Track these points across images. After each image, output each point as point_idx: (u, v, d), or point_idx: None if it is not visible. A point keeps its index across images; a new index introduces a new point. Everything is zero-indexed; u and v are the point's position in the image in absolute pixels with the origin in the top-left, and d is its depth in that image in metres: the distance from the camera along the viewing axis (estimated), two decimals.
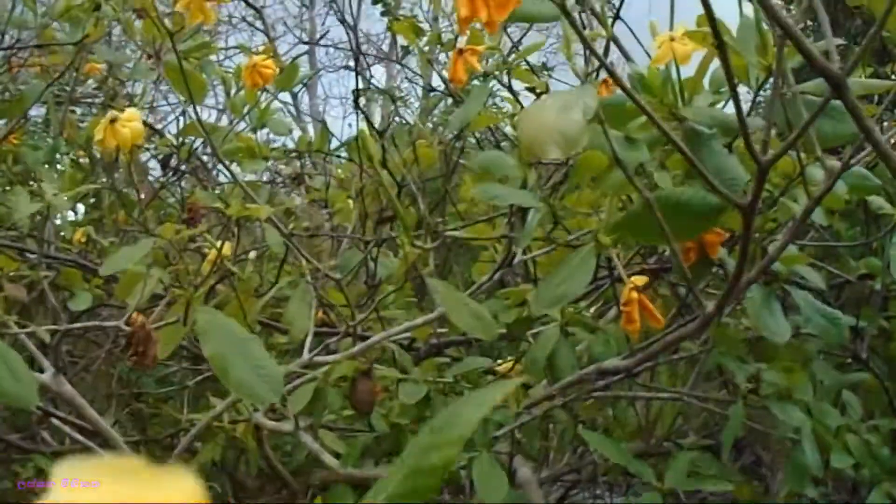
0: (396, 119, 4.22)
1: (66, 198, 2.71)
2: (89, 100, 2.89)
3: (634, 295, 1.01)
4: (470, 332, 1.24)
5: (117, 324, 1.38)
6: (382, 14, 3.79)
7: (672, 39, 1.19)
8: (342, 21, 4.43)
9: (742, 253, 0.99)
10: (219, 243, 1.49)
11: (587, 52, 1.42)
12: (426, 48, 2.12)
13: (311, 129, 6.88)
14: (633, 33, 1.71)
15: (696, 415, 1.87)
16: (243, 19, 7.04)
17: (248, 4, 4.09)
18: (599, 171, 1.16)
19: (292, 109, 7.27)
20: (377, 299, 1.79)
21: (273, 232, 1.54)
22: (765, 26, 1.05)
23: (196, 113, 1.77)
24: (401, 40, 4.22)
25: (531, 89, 1.34)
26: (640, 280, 1.02)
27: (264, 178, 2.68)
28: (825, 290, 1.47)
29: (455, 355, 1.72)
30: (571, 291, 1.05)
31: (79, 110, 2.95)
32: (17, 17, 2.48)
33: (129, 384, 2.19)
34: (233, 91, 2.44)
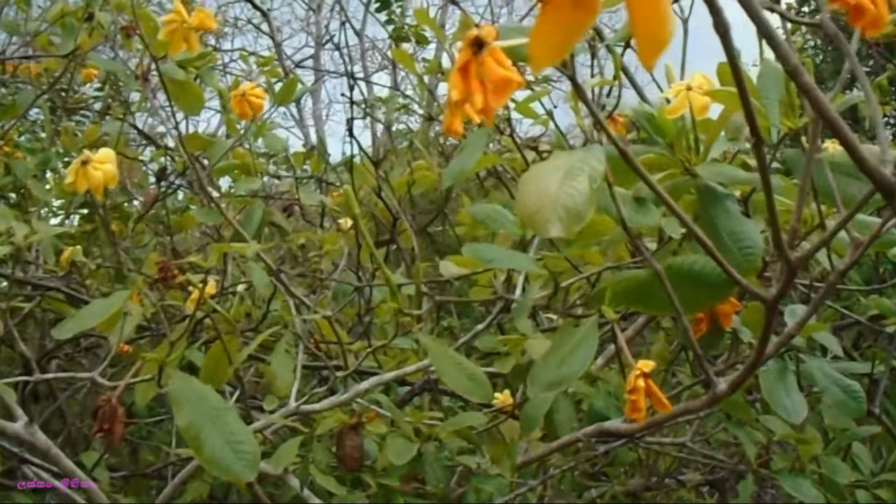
0: (399, 126, 4.11)
1: (56, 205, 2.61)
2: (84, 106, 2.78)
3: (641, 383, 0.89)
4: (464, 395, 1.13)
5: (91, 375, 1.28)
6: (387, 22, 3.66)
7: (689, 89, 1.07)
8: (343, 23, 4.35)
9: (761, 344, 0.87)
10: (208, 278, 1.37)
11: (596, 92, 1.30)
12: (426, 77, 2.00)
13: (312, 133, 6.75)
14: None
15: (697, 451, 1.76)
16: (249, 21, 6.90)
17: (255, 7, 4.00)
18: (605, 235, 1.04)
19: (295, 112, 7.13)
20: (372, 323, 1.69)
21: (259, 271, 1.42)
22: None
23: (180, 126, 1.65)
24: (405, 47, 4.10)
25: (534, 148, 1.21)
26: (648, 365, 0.90)
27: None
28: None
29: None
30: (573, 372, 0.93)
31: (76, 118, 2.85)
32: (8, 21, 2.37)
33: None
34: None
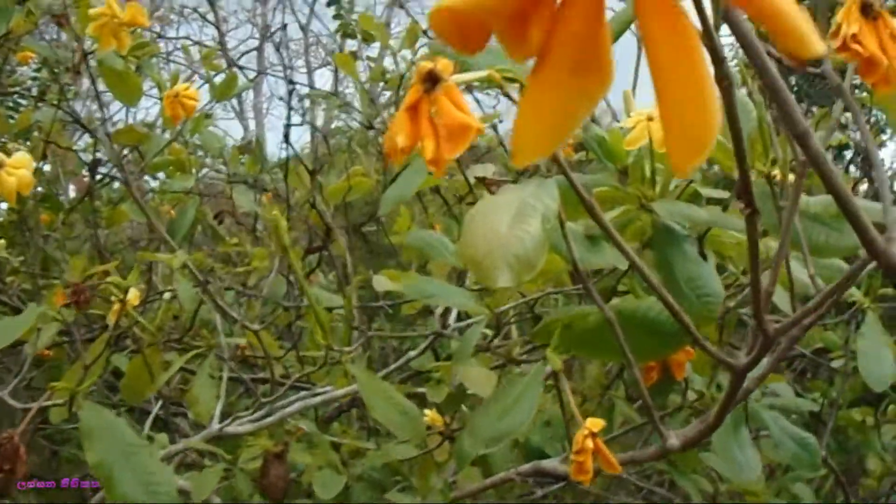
0: (338, 123, 4.00)
1: None
2: (17, 92, 2.65)
3: (590, 444, 0.80)
4: (394, 430, 1.03)
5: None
6: (335, 17, 3.54)
7: (650, 119, 0.98)
8: (287, 11, 4.23)
9: (723, 409, 0.78)
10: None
11: None
12: (367, 84, 1.89)
13: (252, 126, 6.60)
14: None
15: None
16: (195, 10, 6.72)
17: None
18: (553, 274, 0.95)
19: (235, 105, 6.96)
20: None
21: (186, 283, 1.32)
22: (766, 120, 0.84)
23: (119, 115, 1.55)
24: (350, 43, 3.99)
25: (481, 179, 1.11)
26: (597, 424, 0.81)
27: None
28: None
29: None
30: (516, 425, 0.84)
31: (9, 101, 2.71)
32: None
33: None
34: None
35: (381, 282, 1.44)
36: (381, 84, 1.85)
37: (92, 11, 1.33)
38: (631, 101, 1.12)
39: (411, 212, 2.13)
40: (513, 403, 0.85)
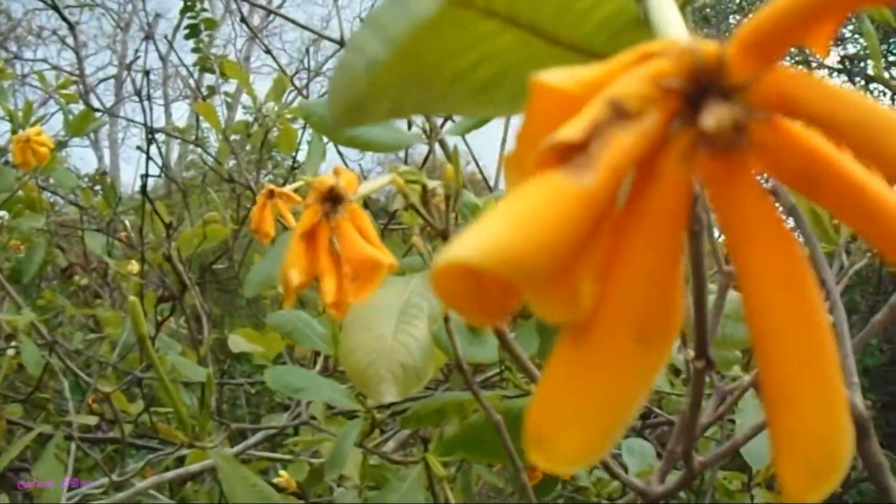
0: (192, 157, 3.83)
1: None
2: None
3: None
4: None
5: None
6: (193, 50, 3.37)
7: None
8: (148, 37, 4.01)
9: None
10: None
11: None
12: (232, 135, 1.75)
13: (107, 156, 6.30)
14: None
15: None
16: (54, 33, 6.39)
17: (63, 18, 3.61)
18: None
19: (91, 134, 6.64)
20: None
21: (31, 346, 1.16)
22: None
23: None
24: (209, 77, 3.82)
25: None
26: None
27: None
28: None
29: None
30: None
31: None
32: None
33: None
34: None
35: (238, 342, 1.31)
36: (245, 136, 1.71)
37: None
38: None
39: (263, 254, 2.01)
40: None
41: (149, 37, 3.90)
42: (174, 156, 4.45)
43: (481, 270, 0.13)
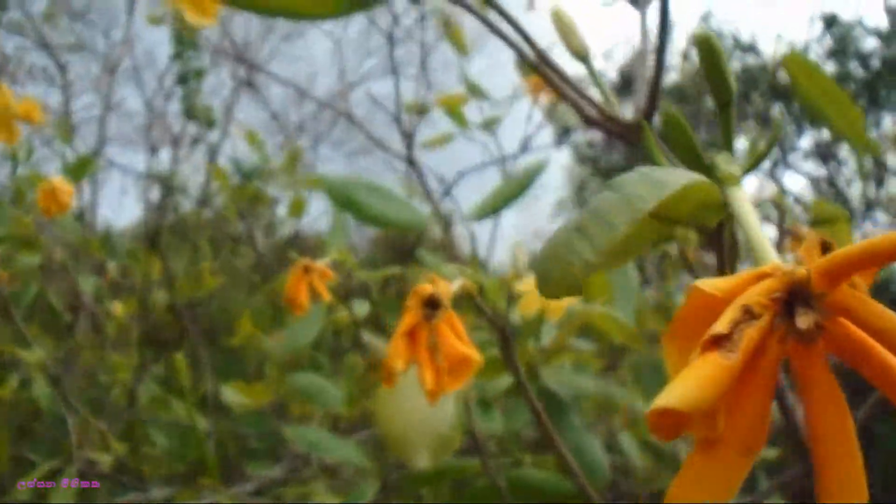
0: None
1: None
2: None
3: None
4: None
5: None
6: (182, 100, 3.46)
7: None
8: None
9: None
10: None
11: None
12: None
13: (87, 193, 6.33)
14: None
15: None
16: (44, 71, 6.43)
17: (53, 58, 3.71)
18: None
19: None
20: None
21: (42, 383, 1.23)
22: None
23: None
24: (192, 125, 3.91)
25: None
26: None
27: None
28: None
29: None
30: None
31: None
32: None
33: None
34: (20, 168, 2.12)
35: (231, 395, 1.38)
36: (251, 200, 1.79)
37: None
38: (521, 255, 1.11)
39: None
40: None
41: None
42: (154, 197, 4.51)
43: (678, 410, 0.22)
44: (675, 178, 0.29)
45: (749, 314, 0.24)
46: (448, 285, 0.49)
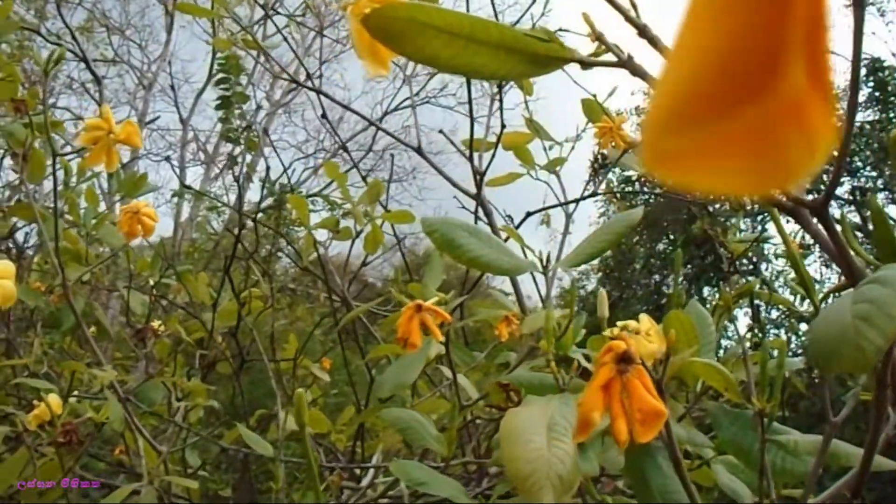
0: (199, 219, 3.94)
1: None
2: None
3: None
4: None
5: None
6: (221, 120, 3.48)
7: (637, 332, 1.00)
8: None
9: None
10: None
11: None
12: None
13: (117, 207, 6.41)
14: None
15: None
16: (82, 84, 6.51)
17: (91, 72, 3.76)
18: None
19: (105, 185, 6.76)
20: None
21: (115, 403, 1.27)
22: None
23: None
24: (225, 145, 3.94)
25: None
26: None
27: None
28: None
29: None
30: None
31: None
32: None
33: None
34: (72, 180, 2.18)
35: (290, 422, 1.41)
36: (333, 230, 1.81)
37: (88, 121, 1.27)
38: (604, 301, 1.14)
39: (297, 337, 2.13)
40: None
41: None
42: (184, 214, 4.56)
43: None
44: None
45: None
46: (637, 343, 0.53)
